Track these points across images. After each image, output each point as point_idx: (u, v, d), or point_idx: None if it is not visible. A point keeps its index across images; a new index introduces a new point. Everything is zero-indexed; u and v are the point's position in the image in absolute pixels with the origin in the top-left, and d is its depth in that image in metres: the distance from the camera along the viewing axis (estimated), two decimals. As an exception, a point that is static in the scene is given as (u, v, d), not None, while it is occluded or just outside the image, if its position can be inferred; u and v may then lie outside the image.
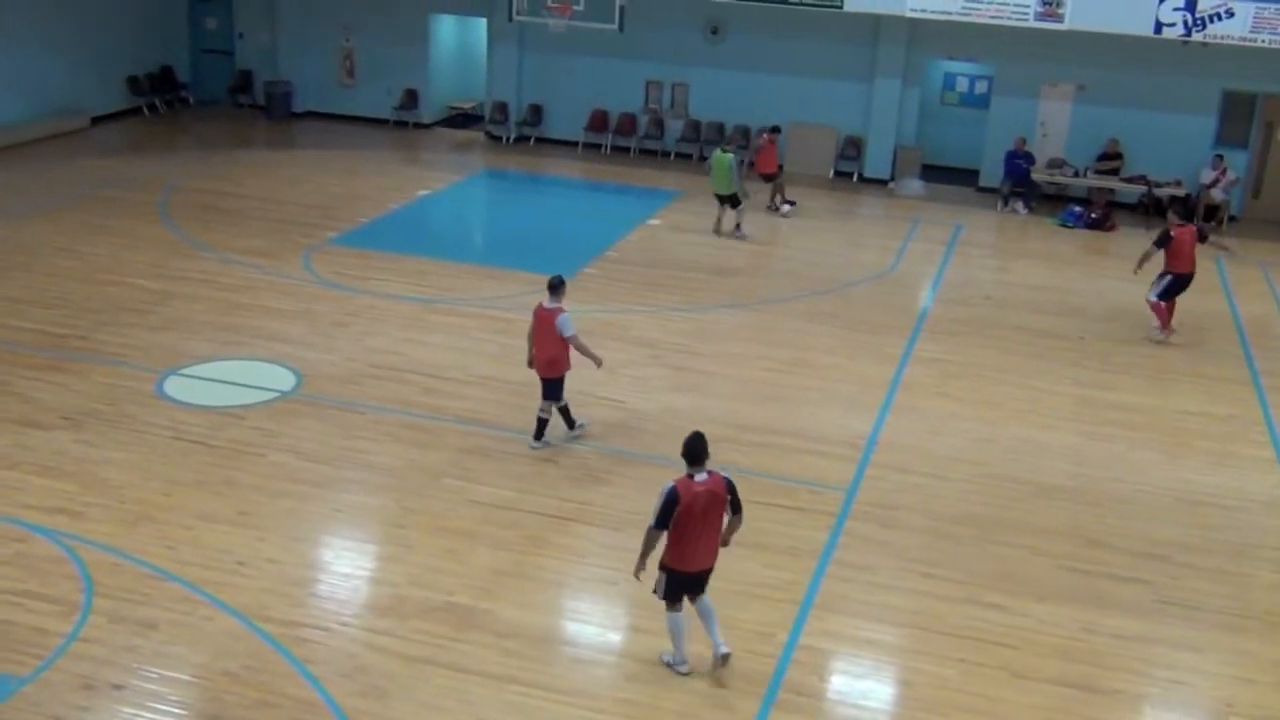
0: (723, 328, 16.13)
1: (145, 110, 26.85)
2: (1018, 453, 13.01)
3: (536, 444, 12.48)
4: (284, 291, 16.50)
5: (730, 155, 19.83)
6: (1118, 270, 18.54)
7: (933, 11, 21.16)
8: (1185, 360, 15.80)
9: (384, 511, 11.17)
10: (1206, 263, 17.96)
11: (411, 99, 26.85)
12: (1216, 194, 22.29)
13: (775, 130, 22.12)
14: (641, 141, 25.61)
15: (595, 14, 21.61)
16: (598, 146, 25.70)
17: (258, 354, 14.47)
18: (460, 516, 11.16)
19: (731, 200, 19.96)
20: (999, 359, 15.50)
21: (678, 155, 25.34)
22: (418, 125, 26.97)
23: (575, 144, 25.72)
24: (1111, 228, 21.80)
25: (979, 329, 16.51)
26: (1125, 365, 15.50)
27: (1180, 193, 22.01)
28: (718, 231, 20.12)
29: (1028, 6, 20.55)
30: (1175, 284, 16.24)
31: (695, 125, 25.28)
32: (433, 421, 12.90)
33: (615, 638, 9.73)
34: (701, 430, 9.01)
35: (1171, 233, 16.05)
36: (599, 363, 12.40)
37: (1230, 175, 22.22)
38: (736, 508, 8.99)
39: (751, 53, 24.52)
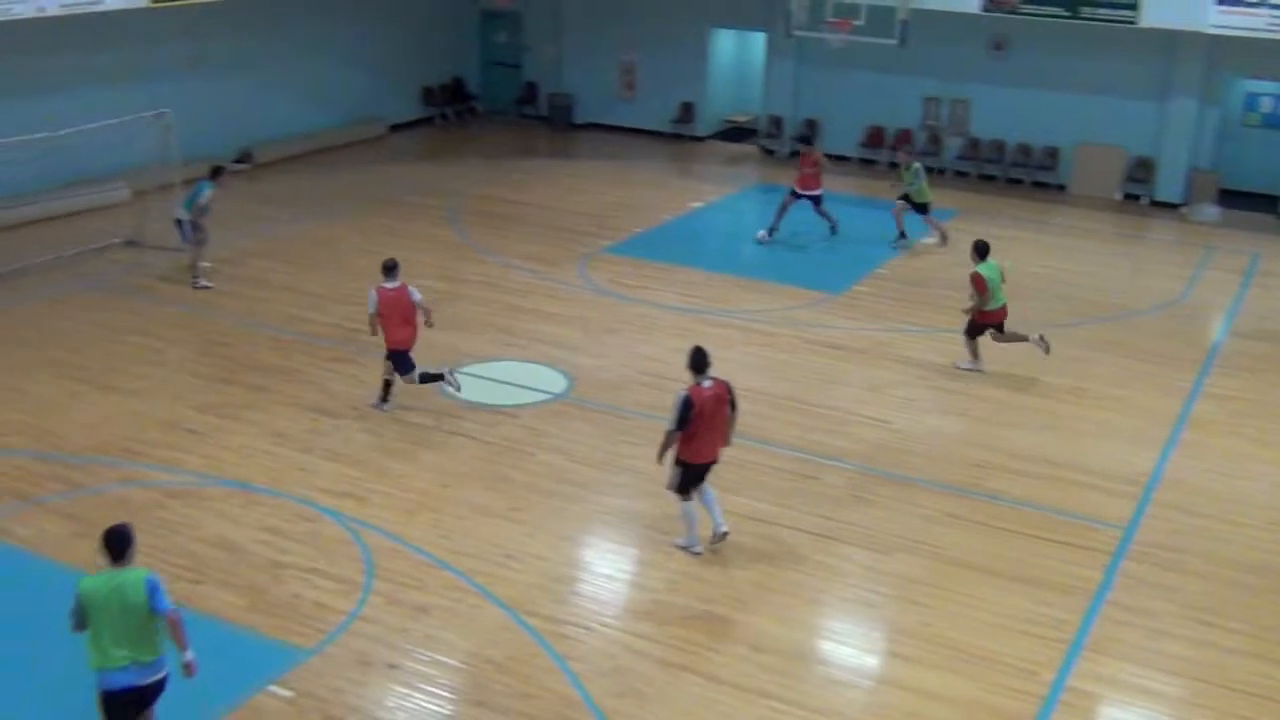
0: (996, 350, 15.64)
1: (438, 119, 28.20)
2: (1317, 500, 12.13)
3: (385, 404, 13.26)
4: (560, 297, 17.00)
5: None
6: None
7: (1237, 28, 19.98)
8: None
9: (647, 517, 11.33)
10: None
11: (688, 112, 27.23)
12: None
13: (805, 141, 20.79)
14: (918, 158, 25.11)
15: (875, 29, 21.37)
16: (872, 162, 25.41)
17: (533, 356, 14.96)
18: (721, 527, 11.23)
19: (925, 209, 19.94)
20: (1299, 399, 14.50)
21: (955, 173, 24.79)
22: (693, 138, 27.32)
23: (849, 159, 25.51)
24: None
25: (1278, 366, 15.48)
26: None
27: None
28: (945, 240, 19.94)
29: (1347, 23, 19.17)
30: None
31: (974, 143, 24.67)
32: (697, 431, 13.03)
33: (872, 661, 9.57)
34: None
35: None
36: (429, 322, 13.28)
37: None
38: (734, 405, 10.56)
39: (1036, 69, 23.74)
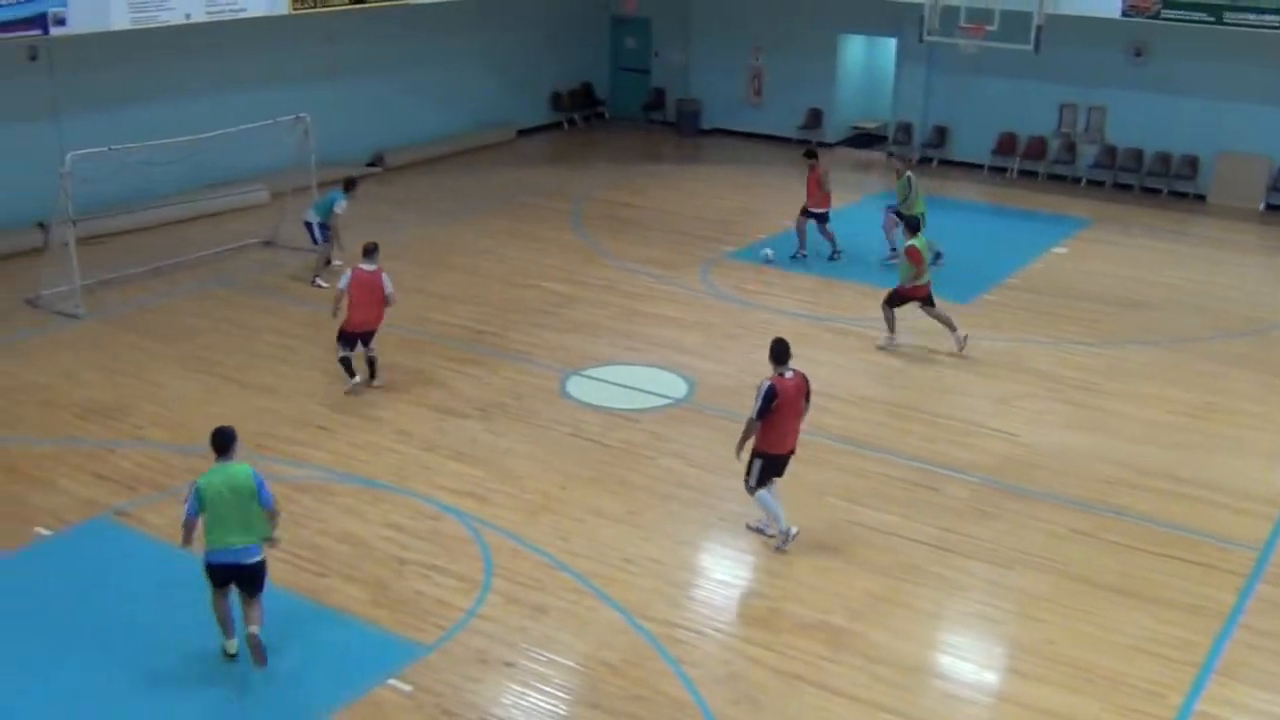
0: (1129, 365, 15.27)
1: (565, 124, 28.50)
2: None
3: (375, 381, 13.87)
4: (681, 302, 17.04)
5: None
6: None
7: (1393, 32, 19.20)
8: None
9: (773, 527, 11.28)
10: None
11: (815, 118, 27.08)
12: None
13: (809, 155, 19.12)
14: (1051, 166, 24.64)
15: (1010, 35, 20.98)
16: (1004, 170, 24.96)
17: (654, 360, 15.02)
18: (839, 536, 11.13)
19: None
20: None
21: (1090, 182, 24.22)
22: (820, 144, 27.11)
23: (980, 166, 25.11)
24: None
25: None
26: None
27: None
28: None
29: None
30: None
31: (1111, 151, 24.07)
32: (816, 439, 12.93)
33: (991, 678, 9.41)
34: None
35: None
36: (335, 314, 13.66)
37: None
38: (808, 398, 10.79)
39: (1177, 75, 23.08)
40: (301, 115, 18.41)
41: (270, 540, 9.06)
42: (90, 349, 14.89)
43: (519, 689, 9.01)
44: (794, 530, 10.83)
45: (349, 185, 17.33)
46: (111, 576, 10.31)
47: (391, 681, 8.97)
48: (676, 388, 14.24)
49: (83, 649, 9.31)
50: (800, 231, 18.94)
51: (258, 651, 8.92)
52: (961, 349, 15.19)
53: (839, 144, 27.34)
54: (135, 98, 19.55)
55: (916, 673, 9.33)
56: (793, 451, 10.87)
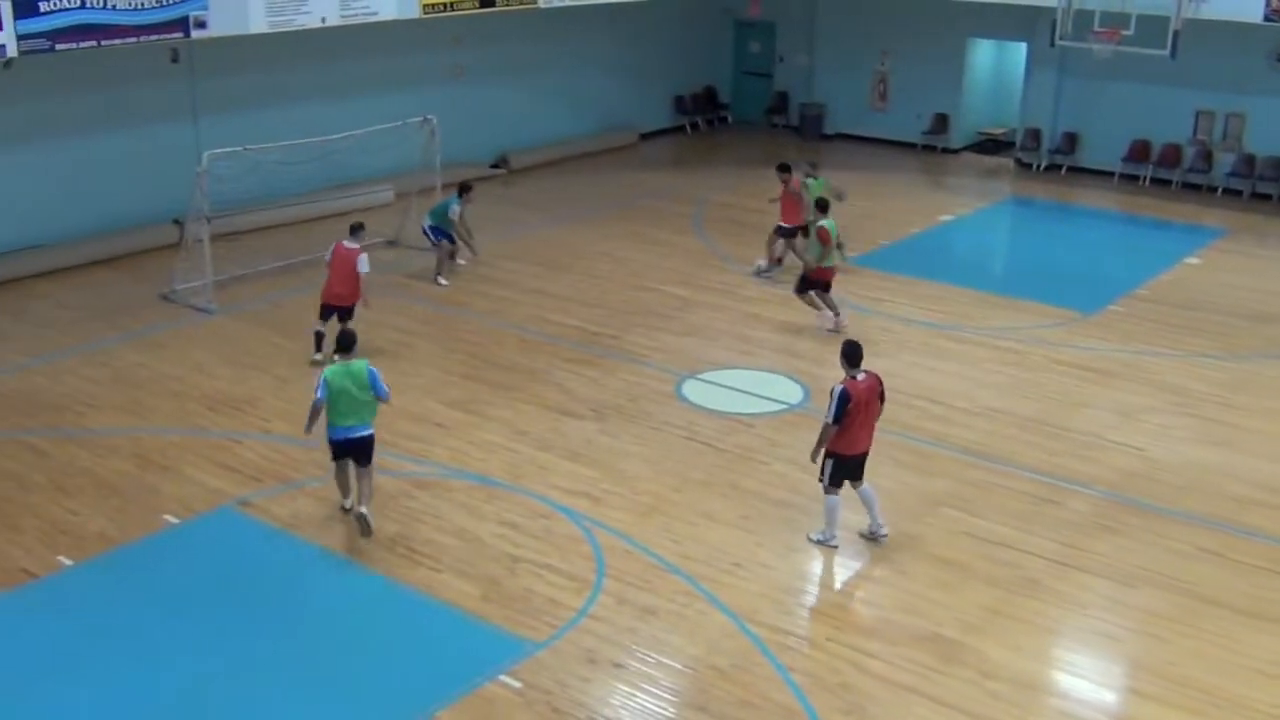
0: (1261, 380, 14.75)
1: (688, 128, 28.53)
2: None
3: (318, 355, 14.46)
4: (798, 307, 16.90)
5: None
6: None
7: None
8: None
9: (890, 533, 11.12)
10: None
11: (941, 123, 26.70)
12: None
13: (782, 169, 18.14)
14: (1185, 175, 23.92)
15: (1145, 39, 20.42)
16: (1135, 178, 24.30)
17: (770, 366, 14.95)
18: (955, 548, 10.95)
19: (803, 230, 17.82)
20: None
21: (1226, 191, 23.45)
22: (945, 150, 26.76)
23: (1111, 174, 24.48)
24: None
25: None
26: None
27: None
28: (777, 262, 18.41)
29: None
30: None
31: (1249, 160, 23.27)
32: (935, 449, 12.75)
33: (1109, 697, 9.16)
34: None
35: None
36: (366, 304, 14.50)
37: None
38: (882, 399, 10.76)
39: (1323, 82, 22.27)
40: (428, 116, 18.73)
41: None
42: (220, 343, 15.33)
43: (627, 690, 9.03)
44: (836, 541, 10.87)
45: (463, 189, 17.63)
46: (235, 565, 10.59)
47: (502, 678, 9.06)
48: (792, 393, 14.15)
49: (208, 635, 9.59)
50: (770, 247, 18.29)
51: (364, 526, 10.74)
52: (832, 327, 15.74)
53: (964, 150, 26.92)
54: (269, 100, 20.10)
55: (1032, 690, 9.12)
56: (866, 453, 10.81)
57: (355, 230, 14.63)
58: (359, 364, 10.81)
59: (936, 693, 9.01)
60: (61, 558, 10.55)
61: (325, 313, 14.54)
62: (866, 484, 10.93)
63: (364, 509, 10.80)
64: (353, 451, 10.92)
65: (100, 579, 10.34)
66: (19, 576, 10.26)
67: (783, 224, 18.02)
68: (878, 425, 10.92)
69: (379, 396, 10.83)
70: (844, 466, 10.72)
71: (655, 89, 27.85)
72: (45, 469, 12.08)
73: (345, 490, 11.23)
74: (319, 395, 10.68)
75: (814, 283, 15.87)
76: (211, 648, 9.42)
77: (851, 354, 10.65)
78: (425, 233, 17.76)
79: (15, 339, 15.39)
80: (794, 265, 17.60)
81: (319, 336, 14.62)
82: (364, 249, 14.53)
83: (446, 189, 18.66)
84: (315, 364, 14.21)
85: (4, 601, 9.94)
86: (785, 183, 17.99)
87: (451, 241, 17.73)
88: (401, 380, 14.23)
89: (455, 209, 17.49)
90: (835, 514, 10.85)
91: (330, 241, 14.90)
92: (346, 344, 10.97)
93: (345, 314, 14.31)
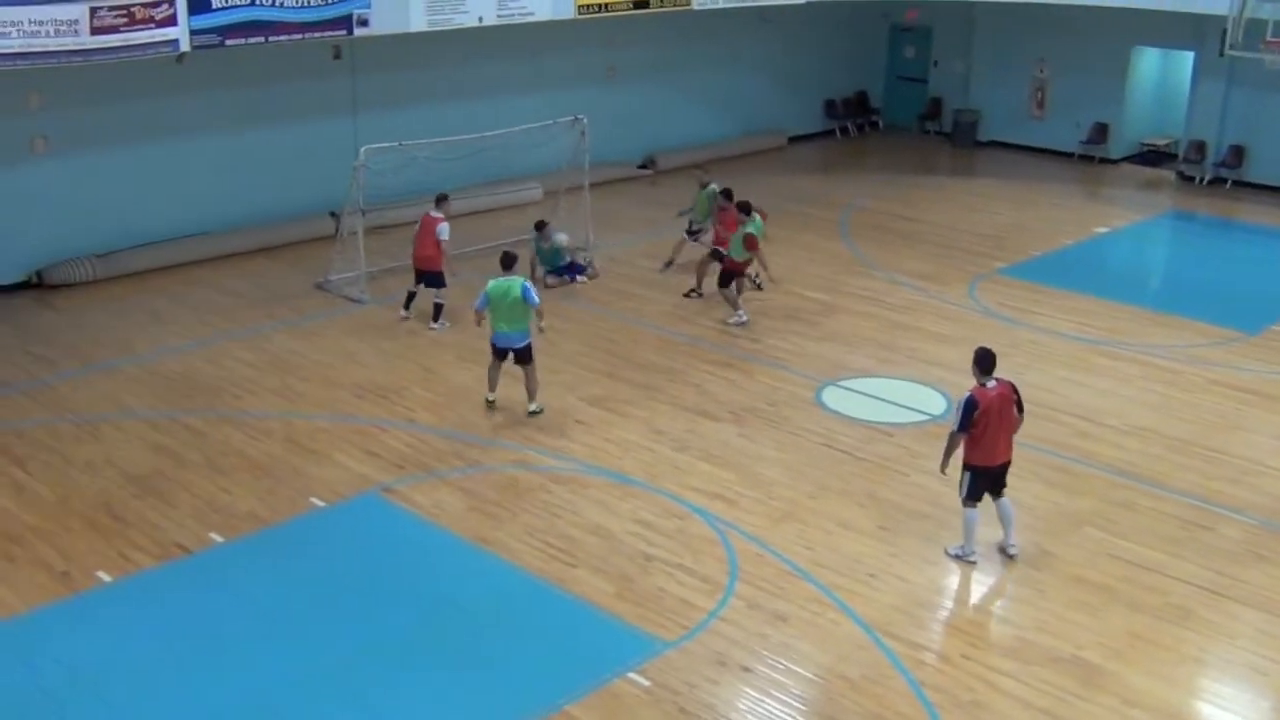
0: None
1: (838, 132, 28.27)
2: None
3: (433, 324, 15.79)
4: (946, 317, 16.65)
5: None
6: None
7: None
8: None
9: (1022, 552, 10.87)
10: None
11: (1101, 133, 25.95)
12: None
13: (724, 193, 17.02)
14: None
15: (1322, 49, 19.62)
16: (1306, 194, 23.33)
17: (913, 375, 14.74)
18: (1099, 570, 10.64)
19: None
20: None
21: (1405, 209, 22.37)
22: (1104, 160, 26.01)
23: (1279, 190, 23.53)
24: None
25: None
26: None
27: None
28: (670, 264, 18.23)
29: None
30: None
31: None
32: (1081, 466, 12.42)
33: (1259, 733, 8.82)
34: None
35: None
36: (451, 271, 15.70)
37: None
38: (1020, 408, 10.47)
39: None
40: (579, 116, 18.92)
41: (540, 329, 13.23)
42: (371, 333, 15.73)
43: (755, 694, 8.99)
44: (974, 556, 10.70)
45: (539, 227, 17.53)
46: (376, 550, 10.87)
47: (631, 675, 9.11)
48: (934, 404, 13.93)
49: (348, 616, 9.85)
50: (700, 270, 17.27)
51: (533, 412, 13.25)
52: (729, 320, 16.12)
53: (1124, 160, 26.13)
54: (425, 97, 20.54)
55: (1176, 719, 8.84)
56: (1006, 464, 10.56)
57: (440, 201, 15.85)
58: (516, 281, 12.89)
59: (1074, 717, 8.77)
60: (213, 534, 10.95)
61: (416, 276, 15.93)
62: (1006, 498, 10.70)
63: (533, 406, 13.23)
64: (513, 355, 13.11)
65: (249, 557, 10.71)
66: (173, 551, 10.68)
67: (716, 246, 16.93)
68: (1018, 438, 10.68)
69: (531, 305, 12.83)
70: (982, 478, 10.51)
71: (806, 92, 27.67)
72: (201, 448, 12.55)
73: (493, 385, 13.36)
74: (479, 303, 12.93)
75: (732, 275, 16.15)
76: (351, 629, 9.68)
77: (982, 361, 10.42)
78: (560, 275, 17.76)
79: (178, 322, 16.02)
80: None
81: (410, 296, 16.08)
82: (446, 219, 15.69)
83: (594, 189, 18.80)
84: (402, 320, 16.01)
85: (158, 575, 10.36)
86: (724, 209, 16.87)
87: (573, 271, 17.78)
88: (544, 377, 14.39)
89: (536, 247, 17.44)
90: (973, 528, 10.66)
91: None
92: (509, 262, 13.10)
93: (430, 279, 15.67)
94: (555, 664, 9.33)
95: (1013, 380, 10.63)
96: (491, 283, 12.92)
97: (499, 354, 13.16)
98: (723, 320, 16.17)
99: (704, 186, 18.04)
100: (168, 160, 18.17)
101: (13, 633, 9.53)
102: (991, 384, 10.36)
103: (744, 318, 16.12)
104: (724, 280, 16.22)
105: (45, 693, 8.82)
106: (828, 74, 27.98)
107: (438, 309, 15.81)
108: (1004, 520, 10.75)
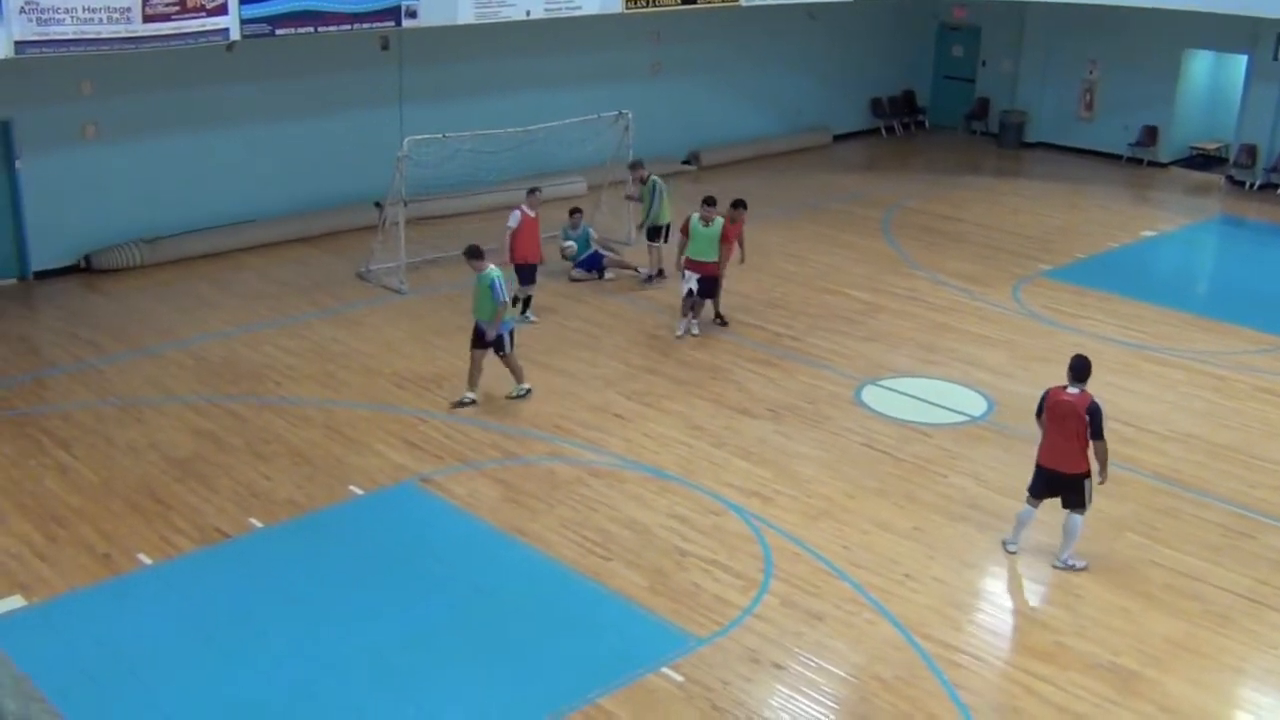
0: None
1: (883, 131, 28.13)
2: None
3: (531, 317, 15.82)
4: (988, 318, 16.53)
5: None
6: None
7: None
8: None
9: (1058, 555, 10.80)
10: None
11: (1150, 136, 25.69)
12: None
13: (533, 191, 16.33)
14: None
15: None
16: (1359, 201, 22.99)
17: (953, 376, 14.64)
18: (1139, 576, 10.54)
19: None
20: None
21: None
22: (1153, 164, 25.75)
23: (1332, 196, 23.22)
24: None
25: None
26: None
27: None
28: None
29: None
30: None
31: None
32: (1124, 472, 12.27)
33: (1299, 745, 8.70)
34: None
35: None
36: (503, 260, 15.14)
37: None
38: (1096, 434, 10.19)
39: None
40: (623, 111, 18.91)
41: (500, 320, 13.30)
42: (411, 323, 15.80)
43: (788, 692, 8.97)
44: (1014, 548, 10.81)
45: (573, 213, 17.86)
46: (413, 539, 10.92)
47: (664, 670, 9.10)
48: (975, 405, 13.84)
49: (384, 604, 9.91)
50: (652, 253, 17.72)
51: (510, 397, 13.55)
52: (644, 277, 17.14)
53: (1173, 164, 25.84)
54: (470, 89, 20.60)
55: (1213, 729, 8.74)
56: (1054, 472, 10.39)
57: (531, 193, 15.95)
58: (489, 273, 13.09)
59: (1110, 724, 8.70)
60: (253, 519, 11.03)
61: (521, 276, 15.88)
62: (1076, 516, 10.50)
63: (525, 386, 13.65)
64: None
65: (288, 543, 10.79)
66: (212, 535, 10.78)
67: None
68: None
69: (496, 299, 13.01)
70: (1037, 474, 10.58)
71: (851, 90, 27.55)
72: (243, 433, 12.65)
73: (472, 382, 13.46)
74: (504, 297, 13.12)
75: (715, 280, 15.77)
76: (386, 616, 9.73)
77: (1074, 367, 10.39)
78: (587, 269, 17.79)
79: (222, 308, 16.16)
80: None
81: (528, 300, 15.99)
82: (519, 207, 15.78)
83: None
84: (533, 324, 15.80)
85: (197, 559, 10.45)
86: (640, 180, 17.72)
87: (597, 264, 17.79)
88: (585, 370, 14.45)
89: (565, 234, 17.81)
90: (1020, 521, 10.73)
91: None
92: (474, 254, 13.32)
93: (524, 272, 15.72)
94: (588, 656, 9.34)
95: (1099, 400, 10.36)
96: (493, 270, 13.25)
97: (479, 342, 13.35)
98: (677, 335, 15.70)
99: (644, 181, 17.71)
100: (215, 148, 18.32)
101: (54, 613, 9.64)
102: (1073, 390, 10.28)
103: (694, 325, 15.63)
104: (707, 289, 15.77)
105: (84, 673, 8.91)
106: (874, 72, 27.84)
107: (527, 302, 15.94)
108: (1064, 534, 10.60)
